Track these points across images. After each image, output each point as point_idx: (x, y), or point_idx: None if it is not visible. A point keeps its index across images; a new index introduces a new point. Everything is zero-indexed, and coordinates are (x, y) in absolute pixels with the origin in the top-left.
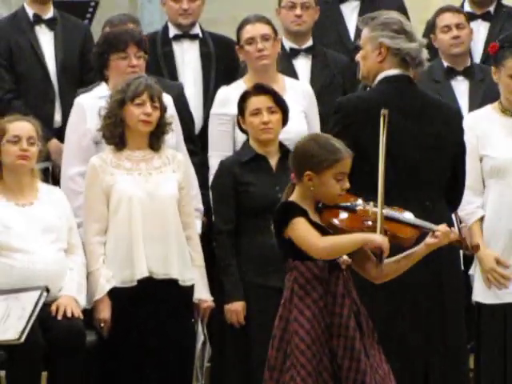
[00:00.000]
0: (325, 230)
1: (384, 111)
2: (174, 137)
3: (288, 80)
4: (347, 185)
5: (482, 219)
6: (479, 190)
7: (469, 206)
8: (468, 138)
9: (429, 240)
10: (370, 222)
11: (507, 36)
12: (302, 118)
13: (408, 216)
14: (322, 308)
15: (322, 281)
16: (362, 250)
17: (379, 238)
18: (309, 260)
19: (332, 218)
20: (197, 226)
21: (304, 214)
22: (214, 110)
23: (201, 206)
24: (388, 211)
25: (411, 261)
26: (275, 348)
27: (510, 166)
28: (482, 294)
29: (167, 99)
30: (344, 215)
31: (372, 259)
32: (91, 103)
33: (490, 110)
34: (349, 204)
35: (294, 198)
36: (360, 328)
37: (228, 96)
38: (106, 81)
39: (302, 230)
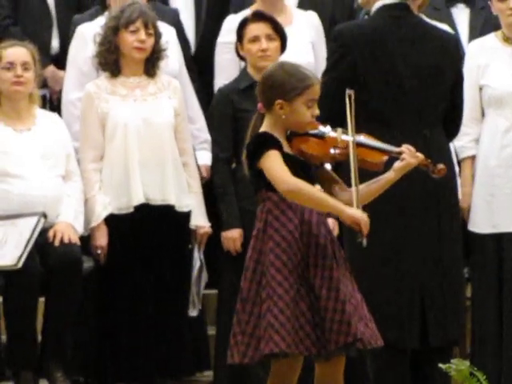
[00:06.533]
0: (298, 162)
1: (349, 91)
2: (176, 63)
3: (296, 11)
4: (317, 111)
5: (473, 158)
6: (476, 119)
7: (464, 138)
8: (469, 66)
9: (396, 164)
10: (338, 150)
11: None
12: (310, 50)
13: (375, 142)
14: (298, 238)
15: (297, 210)
16: (326, 176)
17: (357, 213)
18: None
19: (302, 144)
20: (206, 157)
21: (279, 146)
22: (220, 39)
23: (209, 137)
24: (356, 137)
25: (381, 187)
26: (248, 279)
27: (508, 98)
28: (476, 223)
29: (170, 31)
30: (313, 142)
31: (339, 183)
32: (93, 32)
33: (493, 39)
34: (317, 131)
35: (264, 128)
36: (334, 257)
37: (235, 25)
38: (108, 9)
39: (274, 163)
